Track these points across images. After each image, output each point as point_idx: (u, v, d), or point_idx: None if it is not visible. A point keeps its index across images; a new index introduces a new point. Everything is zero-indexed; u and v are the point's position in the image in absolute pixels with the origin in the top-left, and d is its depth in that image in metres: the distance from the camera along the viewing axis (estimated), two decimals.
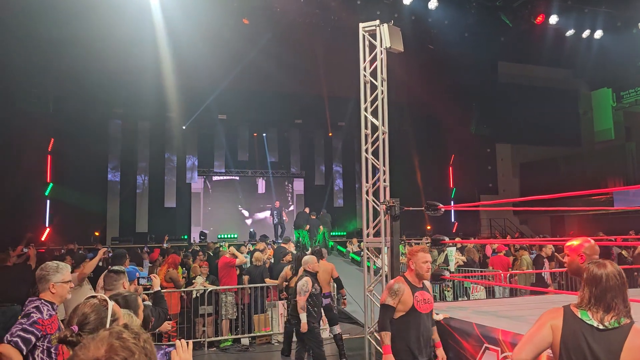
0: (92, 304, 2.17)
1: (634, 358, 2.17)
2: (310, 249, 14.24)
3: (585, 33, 17.74)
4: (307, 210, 16.22)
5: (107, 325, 2.09)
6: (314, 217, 15.48)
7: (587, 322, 2.26)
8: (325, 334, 7.95)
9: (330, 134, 21.41)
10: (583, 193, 5.68)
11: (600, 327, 2.23)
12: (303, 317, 6.27)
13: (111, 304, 2.20)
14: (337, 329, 7.48)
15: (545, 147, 22.18)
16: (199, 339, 8.40)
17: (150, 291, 4.11)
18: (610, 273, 2.27)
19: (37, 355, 2.90)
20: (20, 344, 2.87)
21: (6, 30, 13.41)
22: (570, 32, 17.62)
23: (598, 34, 17.79)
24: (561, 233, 18.21)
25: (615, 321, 2.22)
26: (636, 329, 2.23)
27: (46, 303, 3.14)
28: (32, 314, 3.01)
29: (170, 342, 7.68)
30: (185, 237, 18.21)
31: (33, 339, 2.92)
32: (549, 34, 17.73)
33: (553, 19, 16.74)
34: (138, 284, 4.12)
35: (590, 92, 23.52)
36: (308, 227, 15.27)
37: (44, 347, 2.90)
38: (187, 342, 1.93)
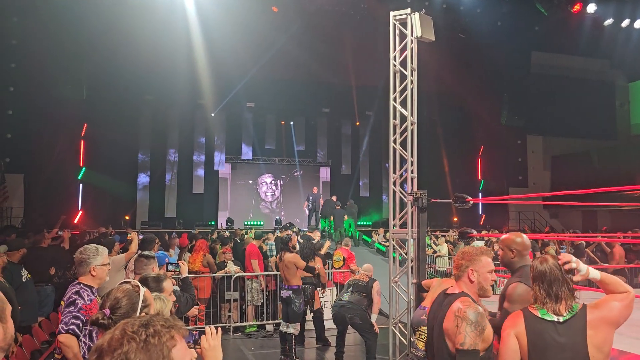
0: (124, 289, 2.23)
1: (598, 329, 2.28)
2: (333, 239, 14.29)
3: (625, 22, 17.12)
4: (334, 198, 16.16)
5: (138, 311, 2.15)
6: (339, 208, 15.45)
7: (548, 319, 2.33)
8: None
9: (357, 123, 21.29)
10: (617, 189, 5.46)
11: (561, 319, 2.32)
12: (374, 317, 6.45)
13: (143, 290, 2.26)
14: (286, 327, 6.74)
15: (579, 139, 21.50)
16: (224, 324, 8.56)
17: (179, 276, 4.20)
18: (552, 266, 2.40)
19: (80, 340, 3.00)
20: (77, 330, 3.03)
21: (42, 18, 13.74)
22: (608, 21, 17.04)
23: (638, 23, 17.15)
24: (593, 228, 17.74)
25: (569, 310, 2.34)
26: (589, 306, 2.36)
27: (85, 287, 3.23)
28: (76, 301, 3.12)
29: (199, 327, 7.84)
30: (213, 222, 18.48)
31: (81, 325, 3.06)
32: (586, 23, 17.18)
33: (591, 8, 16.22)
34: (167, 269, 4.20)
35: (627, 83, 22.70)
36: (332, 218, 15.27)
37: (86, 332, 3.00)
38: (217, 329, 1.94)
